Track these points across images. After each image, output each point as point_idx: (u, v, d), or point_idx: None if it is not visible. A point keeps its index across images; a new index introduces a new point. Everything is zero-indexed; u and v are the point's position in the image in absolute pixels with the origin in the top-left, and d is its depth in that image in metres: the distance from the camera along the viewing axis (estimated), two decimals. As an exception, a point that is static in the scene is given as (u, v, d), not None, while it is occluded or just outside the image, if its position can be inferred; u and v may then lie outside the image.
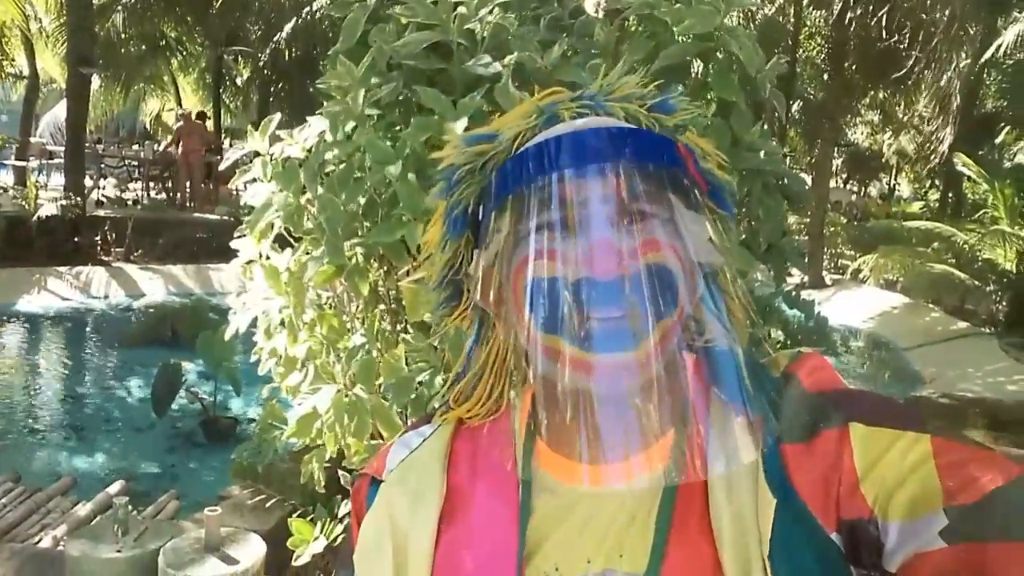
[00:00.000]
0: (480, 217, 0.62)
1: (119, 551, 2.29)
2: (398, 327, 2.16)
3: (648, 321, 0.52)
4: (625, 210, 0.54)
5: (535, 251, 0.54)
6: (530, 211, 0.55)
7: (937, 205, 16.53)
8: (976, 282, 9.31)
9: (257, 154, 2.18)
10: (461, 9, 1.78)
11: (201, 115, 13.48)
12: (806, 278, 11.77)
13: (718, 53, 1.87)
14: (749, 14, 11.93)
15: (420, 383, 1.88)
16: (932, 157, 11.41)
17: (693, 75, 1.96)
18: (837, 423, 0.54)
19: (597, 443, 0.55)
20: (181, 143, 12.18)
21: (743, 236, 1.93)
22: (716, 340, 0.56)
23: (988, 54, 9.95)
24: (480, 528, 0.60)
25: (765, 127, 1.83)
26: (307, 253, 2.07)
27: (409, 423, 0.71)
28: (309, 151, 2.07)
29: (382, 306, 2.18)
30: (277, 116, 2.24)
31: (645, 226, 0.54)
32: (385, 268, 2.14)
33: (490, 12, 1.84)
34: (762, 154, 1.73)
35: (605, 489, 0.57)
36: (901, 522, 0.49)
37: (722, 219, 0.61)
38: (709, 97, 1.88)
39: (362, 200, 1.90)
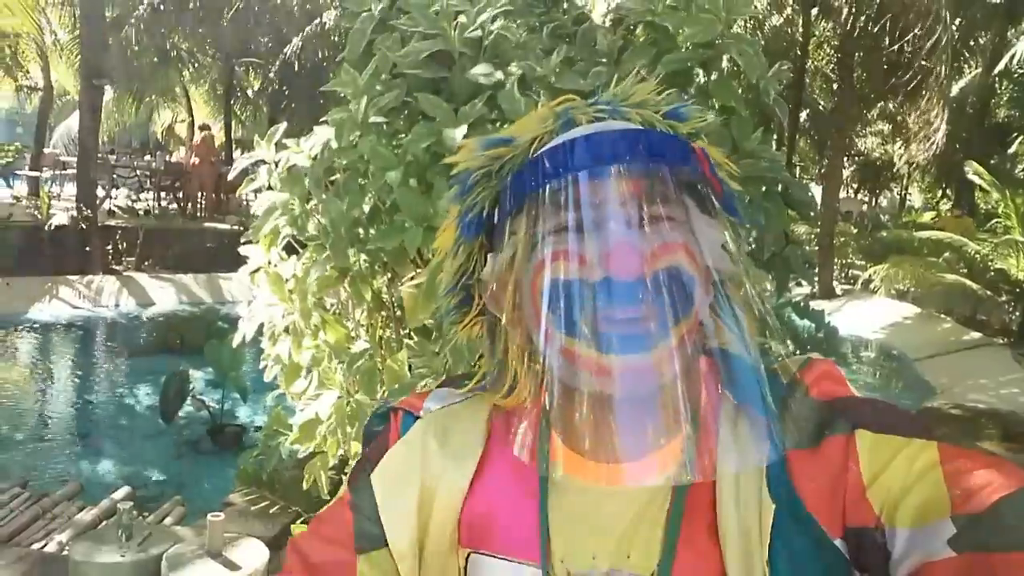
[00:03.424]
0: (495, 221, 0.62)
1: (123, 556, 2.29)
2: (401, 333, 2.16)
3: (666, 323, 0.52)
4: (643, 212, 0.54)
5: (552, 253, 0.54)
6: (547, 213, 0.55)
7: (949, 215, 16.44)
8: (988, 292, 9.23)
9: (264, 162, 2.20)
10: (462, 18, 1.80)
11: (204, 127, 13.70)
12: (816, 288, 11.71)
13: (720, 60, 1.88)
14: (756, 23, 11.94)
15: (423, 387, 1.89)
16: (932, 160, 11.30)
17: (695, 82, 1.97)
18: (843, 430, 0.54)
19: (612, 443, 0.55)
20: (195, 154, 12.43)
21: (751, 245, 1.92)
22: (729, 345, 0.56)
23: (1001, 65, 9.90)
24: (507, 505, 0.60)
25: (774, 135, 1.83)
26: (312, 259, 2.08)
27: None
28: (314, 159, 2.09)
29: (385, 312, 2.19)
30: (283, 125, 2.26)
31: (662, 228, 0.54)
32: (389, 275, 2.15)
33: (492, 21, 1.85)
34: (763, 161, 1.73)
35: (615, 488, 0.57)
36: (908, 530, 0.48)
37: (734, 226, 0.61)
38: (711, 104, 1.89)
39: (366, 207, 1.92)
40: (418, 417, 0.65)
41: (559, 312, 0.53)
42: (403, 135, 1.96)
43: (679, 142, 0.58)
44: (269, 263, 2.21)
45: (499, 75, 1.81)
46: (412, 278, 1.91)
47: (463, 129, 1.63)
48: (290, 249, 2.20)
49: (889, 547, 0.49)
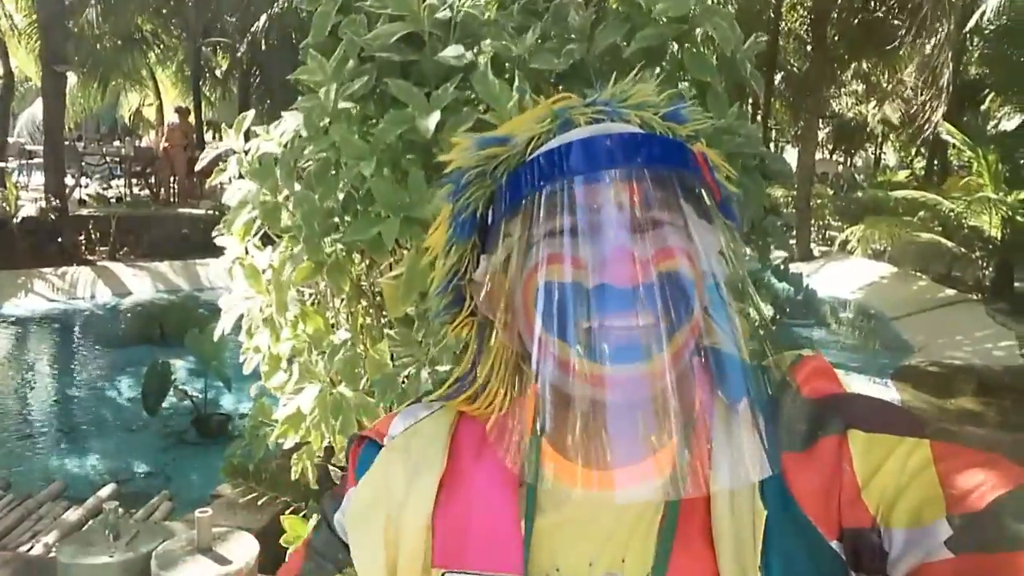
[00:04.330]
0: (489, 222, 0.61)
1: (111, 556, 2.27)
2: (382, 321, 2.14)
3: (663, 334, 0.51)
4: (640, 217, 0.53)
5: (548, 256, 0.54)
6: (543, 216, 0.54)
7: (923, 173, 16.57)
8: (962, 249, 9.37)
9: (234, 151, 2.15)
10: (430, -2, 1.75)
11: (182, 110, 13.43)
12: (794, 251, 11.80)
13: (694, 34, 1.85)
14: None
15: (406, 377, 1.88)
16: (926, 127, 11.30)
17: (669, 57, 1.94)
18: (836, 430, 0.54)
19: (604, 450, 0.55)
20: (166, 138, 12.22)
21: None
22: (723, 348, 0.56)
23: (972, 22, 9.91)
24: (483, 516, 0.59)
25: (748, 105, 1.82)
26: (288, 250, 2.04)
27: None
28: (285, 147, 2.05)
29: (364, 301, 2.16)
30: (251, 113, 2.21)
31: (660, 233, 0.54)
32: (367, 262, 2.12)
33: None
34: (740, 137, 1.71)
35: (608, 493, 0.56)
36: (904, 531, 0.48)
37: (731, 229, 0.60)
38: (685, 79, 1.86)
39: (340, 195, 1.88)
40: (382, 445, 0.65)
41: (553, 317, 0.53)
42: (374, 120, 1.92)
43: (678, 146, 0.57)
44: (246, 252, 2.17)
45: (470, 56, 1.77)
46: (391, 267, 1.89)
47: (436, 115, 1.59)
48: (265, 236, 2.16)
49: (886, 548, 0.49)
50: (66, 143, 11.91)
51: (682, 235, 0.54)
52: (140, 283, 9.65)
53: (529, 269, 0.55)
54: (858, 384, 6.36)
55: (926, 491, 0.48)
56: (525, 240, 0.56)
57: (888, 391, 6.35)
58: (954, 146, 10.56)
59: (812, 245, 13.10)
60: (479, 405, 0.63)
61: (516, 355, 0.63)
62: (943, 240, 9.36)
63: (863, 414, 0.54)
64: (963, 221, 9.20)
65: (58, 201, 9.73)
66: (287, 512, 2.58)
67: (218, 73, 17.24)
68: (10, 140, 14.45)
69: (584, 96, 0.60)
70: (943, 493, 0.48)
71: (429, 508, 0.59)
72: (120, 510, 2.44)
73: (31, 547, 3.06)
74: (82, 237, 10.01)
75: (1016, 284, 9.23)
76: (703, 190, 0.57)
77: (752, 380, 0.54)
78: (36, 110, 15.77)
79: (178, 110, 13.48)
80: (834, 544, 0.52)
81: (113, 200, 12.12)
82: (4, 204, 9.56)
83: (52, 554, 2.76)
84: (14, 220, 9.13)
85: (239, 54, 14.15)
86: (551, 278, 0.53)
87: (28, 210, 9.27)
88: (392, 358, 1.90)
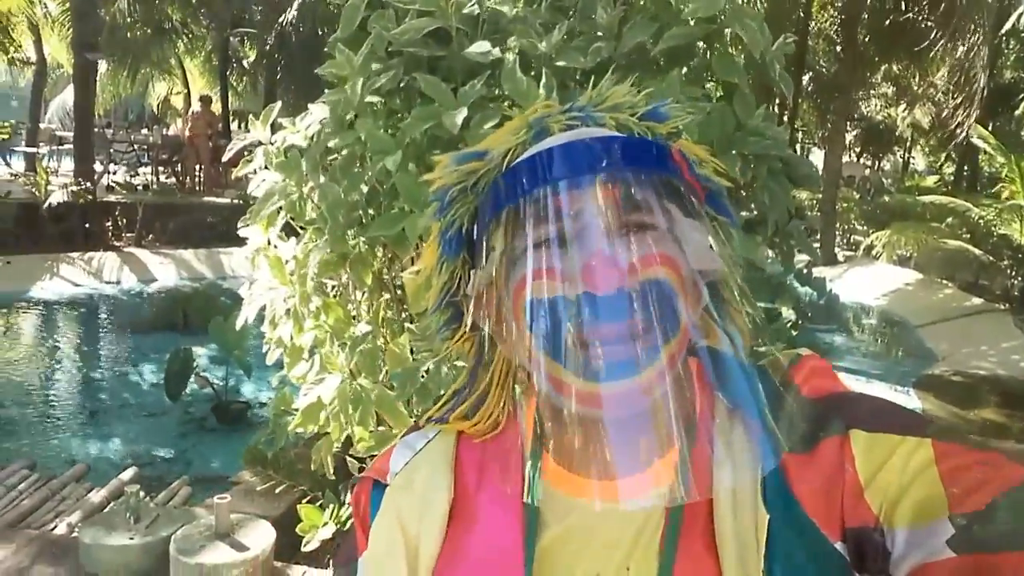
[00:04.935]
0: (475, 236, 0.61)
1: (131, 538, 2.32)
2: (403, 315, 2.15)
3: (653, 342, 0.51)
4: (621, 220, 0.53)
5: (532, 270, 0.53)
6: (524, 226, 0.54)
7: (952, 179, 16.32)
8: (991, 258, 9.21)
9: (260, 142, 2.17)
10: (459, -6, 1.75)
11: (205, 99, 13.57)
12: (818, 255, 11.65)
13: (722, 35, 1.84)
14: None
15: (426, 371, 1.88)
16: (957, 131, 11.07)
17: (697, 57, 1.93)
18: (837, 431, 0.53)
19: (605, 461, 0.54)
20: (190, 127, 12.36)
21: (753, 213, 1.90)
22: (722, 348, 0.55)
23: (1008, 24, 9.71)
24: (485, 539, 0.59)
25: (775, 108, 1.80)
26: (312, 241, 2.06)
27: (413, 415, 0.70)
28: (311, 139, 2.06)
29: (387, 295, 2.17)
30: (278, 105, 2.23)
31: (643, 238, 0.53)
32: (389, 255, 2.13)
33: (490, -4, 1.81)
34: (767, 139, 1.70)
35: (612, 505, 0.56)
36: (907, 530, 0.48)
37: (722, 225, 0.59)
38: (712, 80, 1.85)
39: (364, 188, 1.89)
40: (386, 485, 0.64)
41: (541, 336, 0.52)
42: (399, 114, 1.93)
43: (654, 146, 0.56)
44: (269, 243, 2.19)
45: (497, 52, 1.77)
46: (412, 261, 1.90)
47: (463, 111, 1.60)
48: (289, 228, 2.18)
49: (888, 547, 0.49)
50: (95, 130, 12.08)
51: (668, 237, 0.54)
52: (165, 270, 9.78)
53: (515, 283, 0.55)
54: (879, 392, 6.28)
55: (928, 490, 0.48)
56: (509, 253, 0.56)
57: (910, 399, 6.26)
58: (985, 152, 10.38)
59: (836, 249, 12.94)
60: (477, 420, 0.63)
61: (515, 367, 0.63)
62: (971, 248, 9.20)
63: (864, 414, 0.54)
64: (992, 229, 9.05)
65: (87, 187, 9.87)
66: (304, 501, 2.61)
67: (245, 63, 17.39)
68: (41, 126, 14.68)
69: None
70: (945, 492, 0.47)
71: (440, 541, 0.59)
72: (141, 493, 2.49)
73: (54, 527, 3.11)
74: (109, 223, 10.16)
75: (1045, 294, 9.06)
76: (686, 188, 0.56)
77: (751, 381, 0.54)
78: (67, 97, 16.02)
79: (202, 99, 13.62)
80: (838, 545, 0.51)
81: (140, 187, 12.26)
82: (34, 189, 9.72)
83: (75, 534, 2.82)
84: (45, 205, 9.28)
85: (266, 45, 14.26)
86: (537, 294, 0.53)
87: (57, 195, 9.40)
88: (412, 352, 1.91)
